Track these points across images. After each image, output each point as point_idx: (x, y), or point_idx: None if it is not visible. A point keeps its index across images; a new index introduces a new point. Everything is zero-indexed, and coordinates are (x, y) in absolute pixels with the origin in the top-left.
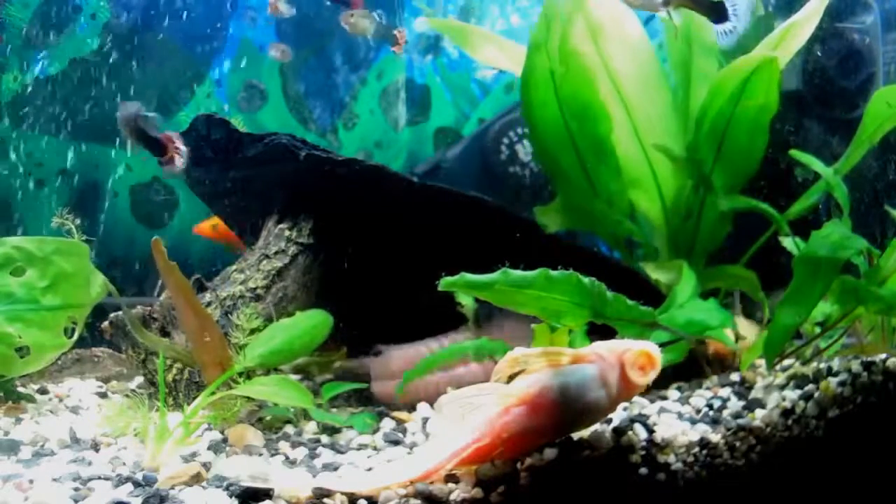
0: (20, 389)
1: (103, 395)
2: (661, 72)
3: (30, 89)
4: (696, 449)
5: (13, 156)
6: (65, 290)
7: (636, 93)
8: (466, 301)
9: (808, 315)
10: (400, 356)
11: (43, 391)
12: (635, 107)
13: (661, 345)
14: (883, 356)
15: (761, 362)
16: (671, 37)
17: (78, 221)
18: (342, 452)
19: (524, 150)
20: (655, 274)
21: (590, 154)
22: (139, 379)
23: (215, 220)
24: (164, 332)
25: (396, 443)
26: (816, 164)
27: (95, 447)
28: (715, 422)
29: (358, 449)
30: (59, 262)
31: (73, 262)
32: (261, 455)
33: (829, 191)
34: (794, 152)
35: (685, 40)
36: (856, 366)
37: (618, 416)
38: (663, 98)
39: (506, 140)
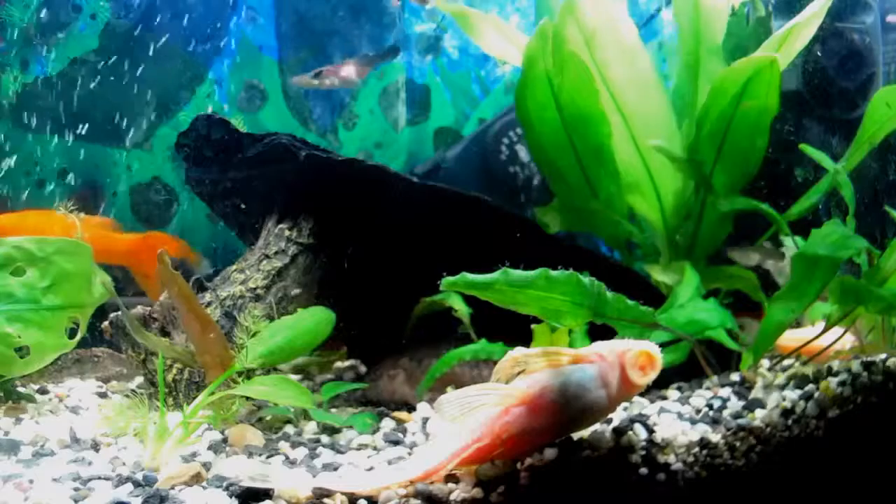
0: (20, 389)
1: (103, 395)
2: (657, 75)
3: (30, 89)
4: (696, 449)
5: (13, 155)
6: (66, 291)
7: (632, 98)
8: (459, 306)
9: (802, 311)
10: None
11: (43, 391)
12: (631, 112)
13: (662, 345)
14: (883, 356)
15: (762, 362)
16: (682, 36)
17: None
18: (342, 452)
19: (524, 150)
20: (661, 276)
21: (589, 157)
22: (139, 379)
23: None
24: (164, 332)
25: (396, 443)
26: (826, 161)
27: (95, 447)
28: (715, 422)
29: (358, 449)
30: (60, 262)
31: (74, 262)
32: (260, 455)
33: (835, 190)
34: (805, 147)
35: (694, 39)
36: (856, 366)
37: (618, 416)
38: (659, 101)
39: (506, 140)
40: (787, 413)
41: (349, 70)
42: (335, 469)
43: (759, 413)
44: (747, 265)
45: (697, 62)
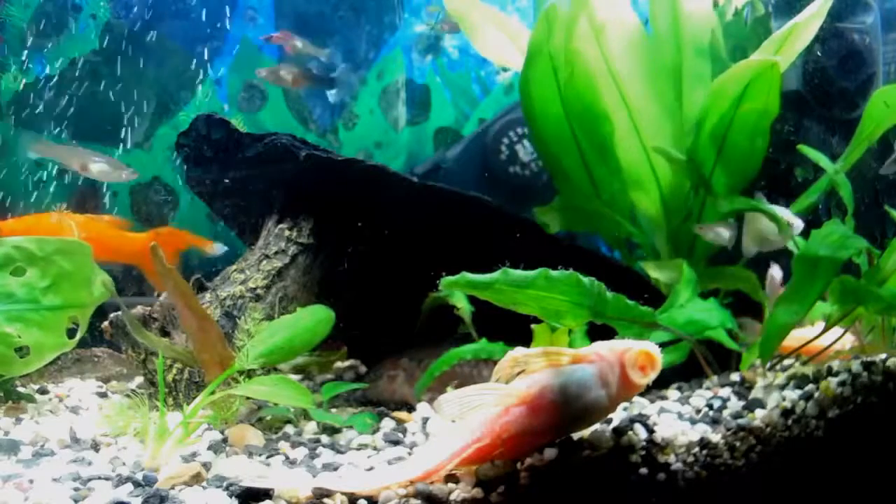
0: (20, 389)
1: (103, 395)
2: (664, 72)
3: (30, 89)
4: (696, 449)
5: (13, 156)
6: (66, 290)
7: (639, 94)
8: (462, 304)
9: (805, 314)
10: None
11: (43, 391)
12: (637, 108)
13: (662, 345)
14: (883, 356)
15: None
16: (660, 40)
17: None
18: (342, 452)
19: (524, 150)
20: (656, 273)
21: (592, 154)
22: (139, 379)
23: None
24: (164, 332)
25: (396, 443)
26: (823, 161)
27: (95, 447)
28: (715, 422)
29: (358, 449)
30: (60, 261)
31: (74, 261)
32: (260, 455)
33: (833, 189)
34: (802, 147)
35: (674, 43)
36: (856, 366)
37: (618, 416)
38: (666, 99)
39: (506, 140)
40: (787, 413)
41: (287, 73)
42: (335, 469)
43: (759, 413)
44: (708, 237)
45: (679, 66)
